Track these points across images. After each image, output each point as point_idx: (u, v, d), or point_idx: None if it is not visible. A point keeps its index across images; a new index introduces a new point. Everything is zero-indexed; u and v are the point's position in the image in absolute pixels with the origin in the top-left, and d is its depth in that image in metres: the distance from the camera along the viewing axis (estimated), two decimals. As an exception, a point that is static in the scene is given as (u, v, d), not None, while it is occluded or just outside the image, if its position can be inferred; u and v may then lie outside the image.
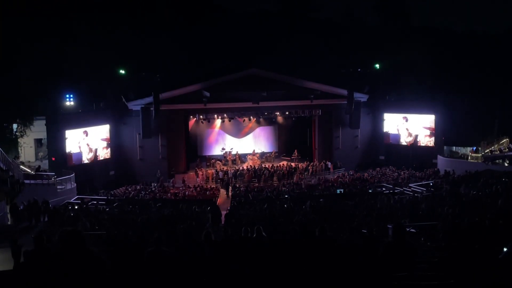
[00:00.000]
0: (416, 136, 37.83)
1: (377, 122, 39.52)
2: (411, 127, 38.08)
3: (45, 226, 17.71)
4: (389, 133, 39.08)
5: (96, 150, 33.91)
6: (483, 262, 5.80)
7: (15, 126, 30.96)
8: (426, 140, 37.48)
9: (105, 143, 34.63)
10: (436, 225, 12.62)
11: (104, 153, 34.58)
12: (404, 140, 38.49)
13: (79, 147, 32.75)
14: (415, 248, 7.02)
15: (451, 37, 46.44)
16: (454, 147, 38.36)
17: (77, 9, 36.66)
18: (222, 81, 36.39)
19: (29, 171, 28.32)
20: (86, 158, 33.23)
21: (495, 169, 27.22)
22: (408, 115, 38.11)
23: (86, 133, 33.11)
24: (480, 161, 31.77)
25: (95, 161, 33.84)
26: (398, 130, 38.69)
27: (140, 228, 13.83)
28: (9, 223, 19.61)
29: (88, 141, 33.34)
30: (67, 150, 31.79)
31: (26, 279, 4.78)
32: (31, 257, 7.01)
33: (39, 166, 30.25)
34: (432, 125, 37.11)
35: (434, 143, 37.03)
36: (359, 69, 39.27)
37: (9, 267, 7.24)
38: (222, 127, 40.77)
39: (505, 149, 31.85)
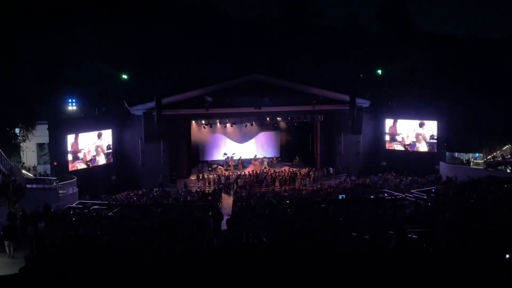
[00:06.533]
0: (418, 142, 37.83)
1: (379, 128, 39.52)
2: (413, 133, 38.07)
3: (46, 231, 17.73)
4: (391, 139, 39.08)
5: (97, 154, 33.94)
6: (486, 269, 5.79)
7: (17, 130, 31.01)
8: (428, 146, 37.48)
9: (107, 148, 34.65)
10: (438, 231, 12.58)
11: (106, 158, 34.60)
12: (406, 146, 38.49)
13: (81, 152, 32.77)
14: (417, 254, 7.00)
15: (453, 42, 46.50)
16: (456, 153, 38.29)
17: (79, 13, 36.79)
18: (224, 86, 36.43)
19: (31, 175, 28.39)
20: (88, 162, 33.21)
21: (497, 176, 27.15)
22: (410, 121, 38.12)
23: (88, 137, 33.17)
24: (482, 167, 31.70)
25: (96, 166, 33.87)
26: (400, 136, 38.71)
27: (141, 233, 13.82)
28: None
29: (90, 146, 33.38)
30: (69, 154, 31.84)
31: (28, 283, 4.79)
32: (33, 262, 7.02)
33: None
34: (434, 131, 37.10)
35: (436, 149, 37.00)
36: (361, 75, 39.35)
37: (10, 271, 7.24)
38: (224, 132, 40.84)
39: (507, 155, 31.78)
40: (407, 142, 38.53)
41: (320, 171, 37.45)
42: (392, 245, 6.63)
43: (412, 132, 38.17)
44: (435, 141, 37.11)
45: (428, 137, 37.41)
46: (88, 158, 33.24)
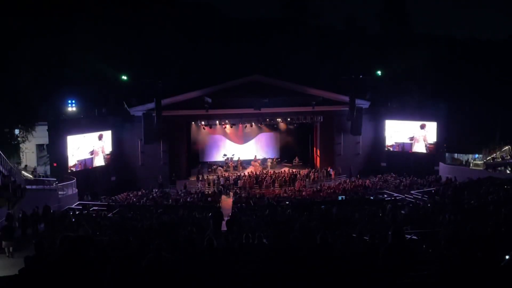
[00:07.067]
0: (418, 142, 37.84)
1: (379, 128, 39.52)
2: (413, 134, 38.08)
3: (46, 232, 17.72)
4: (390, 140, 39.09)
5: (97, 155, 33.89)
6: (485, 270, 5.78)
7: (17, 131, 31.01)
8: (428, 147, 37.47)
9: (106, 149, 34.61)
10: (438, 232, 12.56)
11: (105, 159, 34.55)
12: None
13: (81, 153, 32.72)
14: (414, 250, 7.00)
15: (453, 44, 46.53)
16: (456, 154, 38.28)
17: (79, 15, 36.83)
18: (224, 87, 36.46)
19: (30, 176, 28.36)
20: (87, 163, 33.15)
21: (497, 177, 27.17)
22: (410, 122, 38.11)
23: (88, 138, 33.12)
24: (482, 168, 31.71)
25: (96, 166, 33.83)
26: (400, 137, 38.73)
27: (141, 234, 13.80)
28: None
29: (90, 147, 33.34)
30: (69, 155, 31.79)
31: (27, 284, 4.77)
32: (32, 263, 7.01)
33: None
34: (434, 132, 37.09)
35: (436, 150, 36.98)
36: (361, 76, 39.40)
37: (9, 272, 7.23)
38: (224, 133, 40.84)
39: (507, 156, 31.81)
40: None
41: (319, 172, 37.42)
42: (389, 242, 6.64)
43: (412, 133, 38.18)
44: (435, 142, 37.10)
45: (428, 138, 37.36)
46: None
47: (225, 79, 37.17)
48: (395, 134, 38.62)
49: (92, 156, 33.66)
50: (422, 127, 37.62)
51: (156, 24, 45.08)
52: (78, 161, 32.56)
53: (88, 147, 33.29)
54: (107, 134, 34.47)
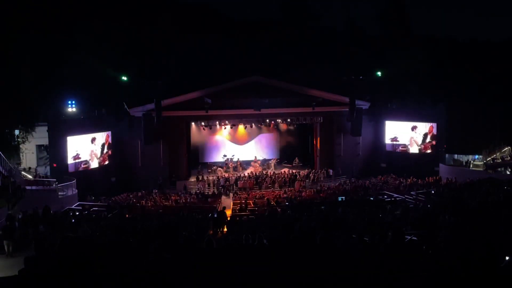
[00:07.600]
0: (418, 144, 37.89)
1: (379, 129, 39.54)
2: (412, 135, 38.13)
3: (46, 232, 17.70)
4: (390, 141, 39.13)
5: (97, 156, 33.89)
6: (485, 271, 5.78)
7: (17, 132, 30.99)
8: (427, 148, 37.50)
9: (106, 150, 34.62)
10: (438, 233, 12.55)
11: (105, 160, 34.53)
12: (406, 148, 38.54)
13: (81, 154, 32.72)
14: (414, 250, 7.01)
15: (453, 45, 46.55)
16: (456, 155, 38.28)
17: (78, 15, 36.79)
18: (224, 88, 36.46)
19: (30, 177, 28.33)
20: (87, 164, 33.16)
21: (497, 177, 27.16)
22: (409, 123, 38.16)
23: (87, 139, 33.13)
24: (482, 169, 31.71)
25: (96, 167, 33.82)
26: (399, 138, 38.76)
27: (141, 235, 13.80)
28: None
29: (89, 148, 33.34)
30: (69, 156, 31.79)
31: (27, 285, 4.77)
32: (32, 263, 7.01)
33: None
34: (434, 133, 37.13)
35: (436, 151, 37.02)
36: (360, 77, 39.35)
37: (9, 273, 7.23)
38: (224, 133, 40.86)
39: (507, 157, 31.80)
40: (406, 144, 38.64)
41: (320, 172, 37.42)
42: (388, 240, 6.65)
43: (412, 134, 38.24)
44: (435, 143, 37.12)
45: (428, 139, 37.42)
46: (87, 160, 32.94)
47: (225, 79, 37.16)
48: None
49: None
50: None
51: (156, 24, 45.04)
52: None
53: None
54: (104, 136, 34.40)
